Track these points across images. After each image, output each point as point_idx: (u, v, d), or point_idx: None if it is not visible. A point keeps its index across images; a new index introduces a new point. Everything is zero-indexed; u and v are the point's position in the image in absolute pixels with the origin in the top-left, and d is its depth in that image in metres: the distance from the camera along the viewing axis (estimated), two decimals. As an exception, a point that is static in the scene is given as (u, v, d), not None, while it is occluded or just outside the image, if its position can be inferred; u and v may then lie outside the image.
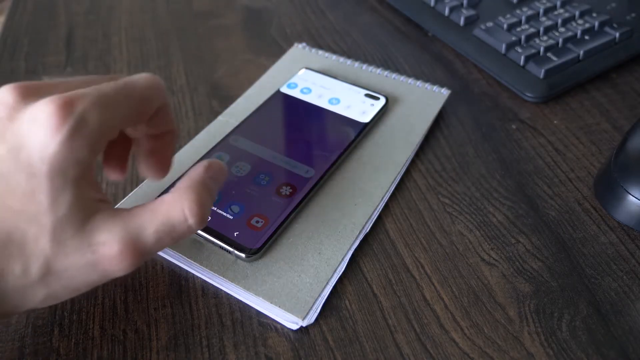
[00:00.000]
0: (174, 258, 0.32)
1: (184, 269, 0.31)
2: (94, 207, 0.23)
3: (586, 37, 0.45)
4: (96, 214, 0.23)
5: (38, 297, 0.23)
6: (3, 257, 0.22)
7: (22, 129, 0.22)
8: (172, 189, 0.25)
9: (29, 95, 0.23)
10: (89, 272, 0.23)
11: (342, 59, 0.45)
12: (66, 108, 0.22)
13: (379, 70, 0.44)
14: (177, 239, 0.24)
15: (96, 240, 0.23)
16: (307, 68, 0.43)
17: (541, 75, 0.42)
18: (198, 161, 0.35)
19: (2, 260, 0.22)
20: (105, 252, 0.23)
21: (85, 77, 0.26)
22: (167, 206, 0.24)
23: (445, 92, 0.42)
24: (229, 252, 0.31)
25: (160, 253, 0.32)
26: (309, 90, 0.41)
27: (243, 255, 0.30)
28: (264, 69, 0.45)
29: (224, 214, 0.32)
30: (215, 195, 0.26)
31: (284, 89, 0.41)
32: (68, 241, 0.22)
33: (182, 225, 0.24)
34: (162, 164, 0.29)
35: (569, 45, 0.44)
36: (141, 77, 0.25)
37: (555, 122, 0.41)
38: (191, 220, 0.24)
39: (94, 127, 0.22)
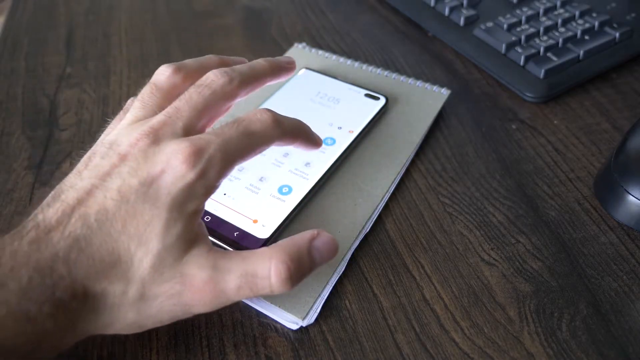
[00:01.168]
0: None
1: (184, 269, 0.31)
2: (194, 241, 0.25)
3: (586, 37, 0.45)
4: (194, 248, 0.25)
5: (127, 319, 0.24)
6: (109, 277, 0.23)
7: (155, 168, 0.24)
8: (274, 244, 0.26)
9: (157, 139, 0.25)
10: (174, 303, 0.24)
11: (342, 59, 0.45)
12: (196, 155, 0.24)
13: (379, 70, 0.44)
14: (257, 292, 0.25)
15: (186, 272, 0.24)
16: (307, 68, 0.43)
17: (541, 75, 0.42)
18: None
19: (107, 280, 0.23)
20: (190, 284, 0.24)
21: (191, 100, 0.27)
22: (257, 258, 0.25)
23: (445, 92, 0.42)
24: None
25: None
26: None
27: None
28: (264, 69, 0.45)
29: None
30: (314, 267, 0.26)
31: None
32: (165, 269, 0.24)
33: (264, 281, 0.24)
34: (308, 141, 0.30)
35: (569, 45, 0.44)
36: (260, 120, 0.27)
37: (555, 122, 0.41)
38: (273, 280, 0.24)
39: (215, 175, 0.25)
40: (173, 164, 0.24)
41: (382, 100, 0.40)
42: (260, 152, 0.27)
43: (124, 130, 0.26)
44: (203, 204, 0.25)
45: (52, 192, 0.25)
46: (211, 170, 0.25)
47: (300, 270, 0.25)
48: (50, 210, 0.24)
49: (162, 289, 0.24)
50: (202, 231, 0.26)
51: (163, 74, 0.29)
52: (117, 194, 0.24)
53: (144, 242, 0.24)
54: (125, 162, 0.25)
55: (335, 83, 0.42)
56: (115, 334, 0.25)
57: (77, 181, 0.25)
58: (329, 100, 0.40)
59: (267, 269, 0.24)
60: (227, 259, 0.25)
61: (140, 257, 0.23)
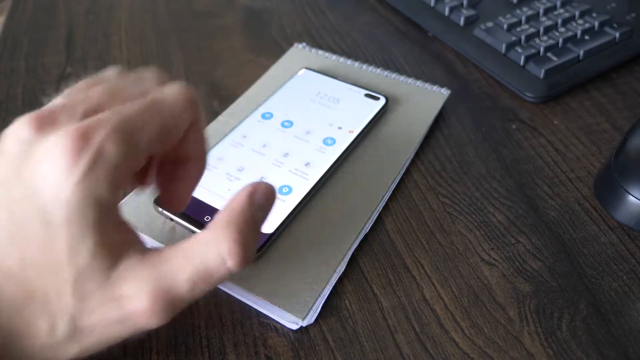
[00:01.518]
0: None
1: (184, 269, 0.31)
2: (119, 252, 0.20)
3: (586, 37, 0.45)
4: (122, 260, 0.20)
5: (71, 352, 0.21)
6: (27, 314, 0.20)
7: (36, 169, 0.19)
8: (210, 224, 0.22)
9: (45, 126, 0.20)
10: (119, 327, 0.21)
11: (342, 59, 0.45)
12: (81, 141, 0.19)
13: (379, 70, 0.44)
14: (215, 284, 0.22)
15: (122, 293, 0.20)
16: (307, 68, 0.43)
17: (541, 75, 0.42)
18: None
19: (27, 318, 0.20)
20: (133, 307, 0.20)
21: (109, 84, 0.23)
22: (202, 247, 0.21)
23: (445, 92, 0.42)
24: None
25: (160, 253, 0.32)
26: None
27: None
28: (264, 69, 0.45)
29: None
30: (261, 226, 0.23)
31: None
32: (92, 295, 0.20)
33: (220, 270, 0.21)
34: (176, 198, 0.26)
35: (569, 45, 0.44)
36: (171, 92, 0.22)
37: (555, 122, 0.41)
38: (230, 263, 0.21)
39: (113, 160, 0.20)
40: (53, 157, 0.19)
41: (382, 100, 0.40)
42: (173, 136, 0.22)
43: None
44: (114, 196, 0.20)
45: None
46: (106, 158, 0.19)
47: (253, 237, 0.22)
48: None
49: (96, 316, 0.20)
50: (126, 234, 0.21)
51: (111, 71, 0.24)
52: (5, 214, 0.20)
53: (54, 272, 0.20)
54: (6, 164, 0.20)
55: (335, 83, 0.42)
56: None
57: None
58: (329, 100, 0.40)
59: (218, 255, 0.21)
60: (168, 260, 0.21)
61: (57, 289, 0.20)
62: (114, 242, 0.20)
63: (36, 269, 0.20)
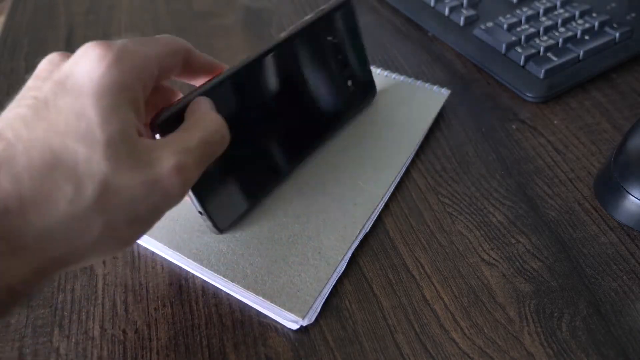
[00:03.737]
0: (173, 258, 0.32)
1: (184, 269, 0.31)
2: (140, 132, 0.23)
3: (586, 37, 0.45)
4: (144, 138, 0.23)
5: (95, 228, 0.21)
6: (51, 180, 0.20)
7: (67, 66, 0.23)
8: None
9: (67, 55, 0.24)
10: (149, 191, 0.22)
11: (342, 59, 0.45)
12: (107, 44, 0.23)
13: (379, 70, 0.44)
14: (216, 149, 0.26)
15: (152, 156, 0.22)
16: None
17: (541, 75, 0.42)
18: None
19: (50, 184, 0.20)
20: (163, 166, 0.22)
21: None
22: (197, 121, 0.26)
23: (445, 92, 0.42)
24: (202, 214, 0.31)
25: (159, 253, 0.32)
26: None
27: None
28: (264, 69, 0.45)
29: None
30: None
31: None
32: (123, 158, 0.21)
33: (219, 132, 0.26)
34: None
35: (569, 45, 0.44)
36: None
37: (555, 122, 0.41)
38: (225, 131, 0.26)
39: (135, 54, 0.24)
40: (85, 54, 0.23)
41: (370, 88, 0.40)
42: (172, 61, 0.28)
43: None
44: (138, 95, 0.24)
45: None
46: (129, 53, 0.23)
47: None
48: None
49: (126, 177, 0.21)
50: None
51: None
52: (33, 94, 0.22)
53: (84, 136, 0.21)
54: (41, 71, 0.24)
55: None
56: (99, 259, 0.23)
57: None
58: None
59: (218, 129, 0.26)
60: (177, 136, 0.25)
61: (86, 152, 0.21)
62: (139, 123, 0.23)
63: (63, 135, 0.21)
